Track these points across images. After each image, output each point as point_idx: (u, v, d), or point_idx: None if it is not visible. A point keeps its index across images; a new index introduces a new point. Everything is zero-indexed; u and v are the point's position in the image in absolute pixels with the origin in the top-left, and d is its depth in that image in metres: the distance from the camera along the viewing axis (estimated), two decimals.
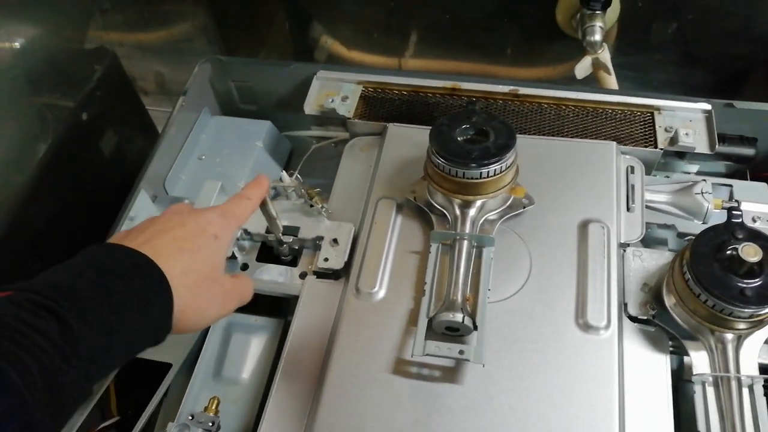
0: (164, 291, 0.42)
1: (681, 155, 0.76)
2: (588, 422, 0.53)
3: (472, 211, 0.62)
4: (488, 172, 0.60)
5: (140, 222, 0.49)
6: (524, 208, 0.65)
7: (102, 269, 0.41)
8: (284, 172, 0.69)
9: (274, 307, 0.77)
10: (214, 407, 0.60)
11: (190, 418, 0.59)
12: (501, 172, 0.60)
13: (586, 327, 0.58)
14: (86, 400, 0.39)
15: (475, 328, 0.56)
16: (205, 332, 0.68)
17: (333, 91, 0.79)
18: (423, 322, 0.56)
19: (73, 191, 0.80)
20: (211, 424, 0.58)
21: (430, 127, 0.73)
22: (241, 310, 0.70)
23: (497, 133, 0.61)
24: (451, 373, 0.56)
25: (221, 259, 0.48)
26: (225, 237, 0.48)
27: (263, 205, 0.61)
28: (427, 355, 0.54)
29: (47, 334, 0.35)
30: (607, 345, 0.57)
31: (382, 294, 0.61)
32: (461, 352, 0.54)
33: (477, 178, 0.60)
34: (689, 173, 0.79)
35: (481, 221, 0.63)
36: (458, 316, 0.55)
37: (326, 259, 0.65)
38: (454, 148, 0.60)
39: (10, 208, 0.71)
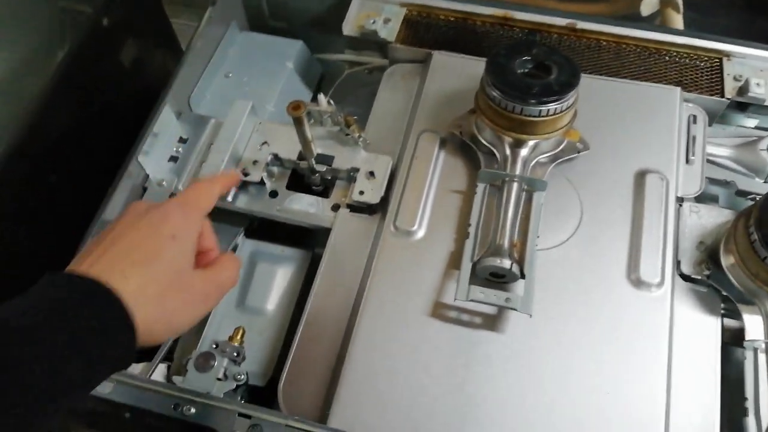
0: (119, 316, 0.37)
1: (743, 107, 0.70)
2: (634, 382, 0.51)
3: (523, 152, 0.58)
4: (548, 110, 0.55)
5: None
6: (578, 152, 0.60)
7: (53, 307, 0.36)
8: (321, 94, 0.64)
9: (300, 238, 0.74)
10: (239, 337, 0.57)
11: (214, 346, 0.56)
12: (561, 112, 0.55)
13: (637, 283, 0.55)
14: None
15: (523, 276, 0.52)
16: None
17: (374, 12, 0.73)
18: (467, 266, 0.53)
19: (90, 103, 0.75)
20: (236, 354, 0.55)
21: (480, 58, 0.68)
22: (267, 238, 0.68)
23: (560, 69, 0.56)
24: (491, 321, 0.53)
25: (185, 259, 0.42)
26: (186, 234, 0.42)
27: (299, 126, 0.56)
28: (471, 300, 0.51)
29: None
30: (659, 303, 0.54)
31: (421, 233, 0.58)
32: (508, 300, 0.51)
33: (535, 116, 0.55)
34: (745, 127, 0.74)
35: (532, 163, 0.58)
36: (506, 262, 0.52)
37: (362, 192, 0.62)
38: (513, 81, 0.55)
39: (28, 117, 0.66)
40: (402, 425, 0.49)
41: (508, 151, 0.58)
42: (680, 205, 0.60)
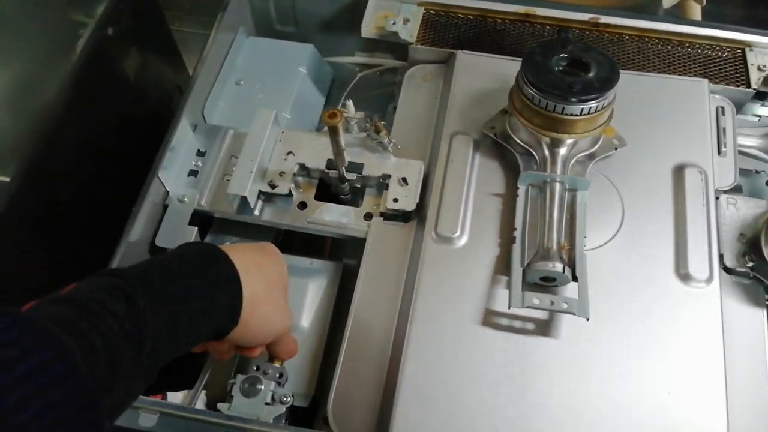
0: (233, 280, 0.43)
1: (761, 96, 0.70)
2: (694, 380, 0.50)
3: (562, 151, 0.57)
4: (589, 108, 0.54)
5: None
6: (615, 149, 0.59)
7: (179, 257, 0.43)
8: (350, 101, 0.62)
9: (320, 248, 0.72)
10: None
11: (255, 368, 0.54)
12: (601, 109, 0.54)
13: (687, 278, 0.54)
14: (150, 381, 0.38)
15: (575, 278, 0.51)
16: None
17: (391, 12, 0.71)
18: (518, 272, 0.52)
19: (99, 115, 0.72)
20: (279, 375, 0.53)
21: (505, 57, 0.67)
22: (295, 252, 0.66)
23: (598, 66, 0.55)
24: (544, 326, 0.52)
25: (284, 278, 0.51)
26: (283, 266, 0.51)
27: (334, 134, 0.54)
28: (527, 307, 0.50)
29: (115, 313, 0.35)
30: (709, 298, 0.53)
31: (464, 240, 0.56)
32: (564, 304, 0.50)
33: (576, 115, 0.54)
34: (759, 116, 0.75)
35: (571, 162, 0.57)
36: (558, 266, 0.51)
37: (396, 200, 0.60)
38: (552, 79, 0.54)
39: (39, 131, 0.63)
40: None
41: (546, 152, 0.57)
42: (717, 198, 0.59)
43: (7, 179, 0.61)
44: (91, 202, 0.70)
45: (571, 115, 0.54)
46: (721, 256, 0.56)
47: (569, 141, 0.57)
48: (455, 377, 0.50)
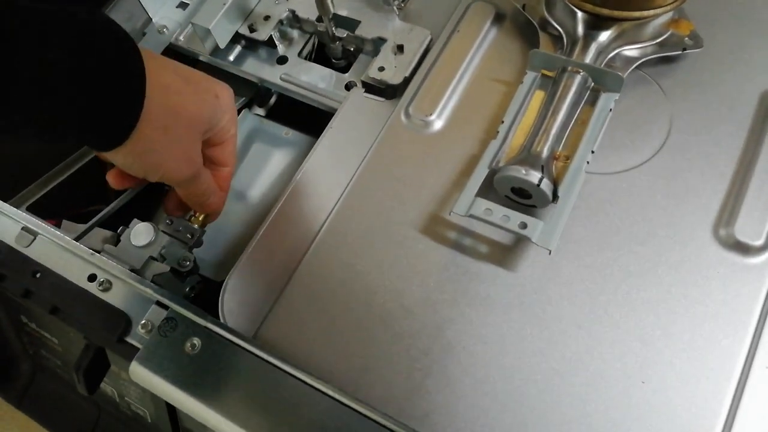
0: (136, 63, 0.33)
1: None
2: (695, 369, 0.35)
3: (603, 35, 0.41)
4: None
5: None
6: (684, 50, 0.42)
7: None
8: None
9: (313, 123, 0.62)
10: (201, 218, 0.47)
11: (169, 222, 0.46)
12: None
13: (727, 241, 0.38)
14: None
15: (555, 198, 0.37)
16: None
17: None
18: (481, 172, 0.39)
19: None
20: (189, 235, 0.45)
21: None
22: (274, 118, 0.57)
23: None
24: (501, 254, 0.39)
25: (209, 119, 0.39)
26: (225, 105, 0.40)
27: None
28: (470, 215, 0.37)
29: None
30: (754, 272, 0.37)
31: (439, 125, 0.44)
32: (523, 225, 0.36)
33: None
34: None
35: (612, 54, 0.42)
36: (533, 175, 0.37)
37: (382, 69, 0.48)
38: None
39: None
40: (348, 360, 0.37)
41: (580, 31, 0.42)
42: None
43: None
44: None
45: None
46: None
47: (616, 25, 0.41)
48: (363, 284, 0.39)
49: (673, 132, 0.41)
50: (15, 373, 0.55)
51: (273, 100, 0.58)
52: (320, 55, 0.55)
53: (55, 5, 0.31)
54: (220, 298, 0.42)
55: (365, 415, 0.33)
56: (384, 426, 0.33)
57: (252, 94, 0.56)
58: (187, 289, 0.45)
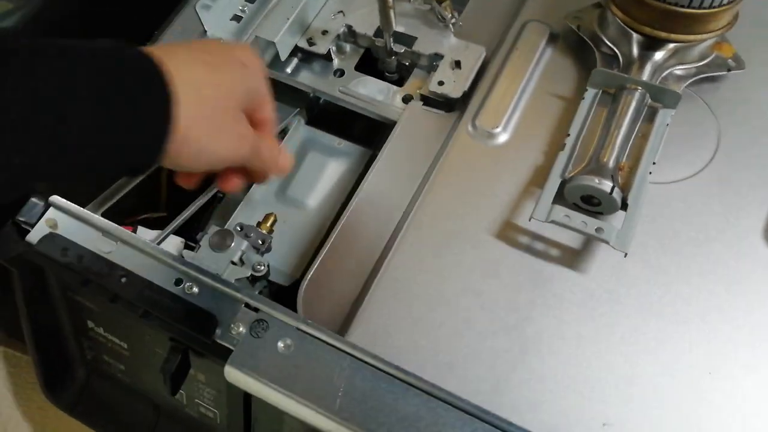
0: (157, 84, 0.30)
1: None
2: (743, 368, 0.38)
3: (658, 55, 0.45)
4: (701, 0, 0.41)
5: None
6: (728, 71, 0.46)
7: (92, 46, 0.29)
8: None
9: (366, 136, 0.65)
10: (269, 224, 0.49)
11: (239, 228, 0.48)
12: (722, 6, 0.42)
13: None
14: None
15: (624, 206, 0.40)
16: (279, 140, 0.56)
17: None
18: (554, 182, 0.42)
19: None
20: (260, 242, 0.47)
21: None
22: (327, 129, 0.59)
23: None
24: (571, 256, 0.42)
25: (244, 93, 0.37)
26: (254, 72, 0.38)
27: None
28: (551, 222, 0.40)
29: None
30: None
31: (504, 137, 0.47)
32: (599, 230, 0.39)
33: (684, 6, 0.42)
34: None
35: (664, 74, 0.45)
36: (606, 184, 0.40)
37: (441, 83, 0.51)
38: None
39: None
40: (436, 353, 0.39)
41: (636, 52, 0.45)
42: None
43: None
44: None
45: (680, 5, 0.42)
46: None
47: (670, 45, 0.45)
48: (445, 288, 0.42)
49: (722, 145, 0.45)
50: (70, 378, 0.55)
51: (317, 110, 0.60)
52: (371, 66, 0.57)
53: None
54: (298, 301, 0.44)
55: (464, 410, 0.36)
56: (486, 421, 0.35)
57: (305, 104, 0.58)
58: (257, 293, 0.47)
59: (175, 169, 0.37)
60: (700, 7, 0.42)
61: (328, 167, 0.56)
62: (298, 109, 0.58)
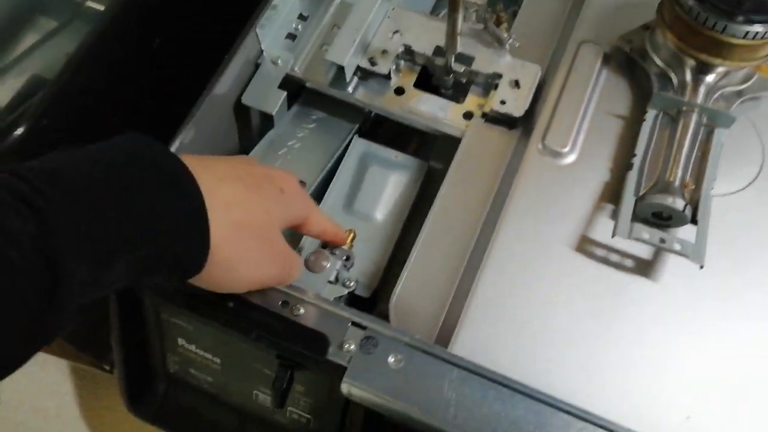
0: (196, 212, 0.32)
1: None
2: None
3: (709, 78, 0.49)
4: (756, 33, 0.46)
5: None
6: None
7: (116, 165, 0.31)
8: None
9: (405, 144, 0.68)
10: (350, 240, 0.51)
11: (323, 246, 0.51)
12: None
13: None
14: (50, 339, 0.29)
15: (694, 221, 0.45)
16: (341, 155, 0.59)
17: None
18: (629, 201, 0.46)
19: None
20: (346, 258, 0.50)
21: None
22: (382, 142, 0.61)
23: None
24: (644, 267, 0.47)
25: (280, 216, 0.40)
26: (291, 196, 0.41)
27: (453, 11, 0.49)
28: (634, 239, 0.44)
29: (19, 244, 0.25)
30: None
31: (573, 157, 0.51)
32: (678, 245, 0.44)
33: (739, 37, 0.46)
34: None
35: (715, 96, 0.50)
36: (678, 202, 0.45)
37: (503, 102, 0.54)
38: None
39: None
40: (533, 360, 0.44)
41: (689, 76, 0.50)
42: None
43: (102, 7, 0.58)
44: (179, 50, 0.67)
45: (733, 36, 0.46)
46: None
47: (720, 69, 0.49)
48: (534, 299, 0.46)
49: (767, 161, 0.50)
50: (151, 391, 0.58)
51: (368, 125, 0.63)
52: (425, 82, 0.60)
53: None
54: (390, 315, 0.48)
55: (567, 411, 0.40)
56: (589, 421, 0.40)
57: (360, 121, 0.61)
58: (362, 312, 0.50)
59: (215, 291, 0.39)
60: (754, 39, 0.46)
61: (390, 180, 0.59)
62: (357, 125, 0.60)
